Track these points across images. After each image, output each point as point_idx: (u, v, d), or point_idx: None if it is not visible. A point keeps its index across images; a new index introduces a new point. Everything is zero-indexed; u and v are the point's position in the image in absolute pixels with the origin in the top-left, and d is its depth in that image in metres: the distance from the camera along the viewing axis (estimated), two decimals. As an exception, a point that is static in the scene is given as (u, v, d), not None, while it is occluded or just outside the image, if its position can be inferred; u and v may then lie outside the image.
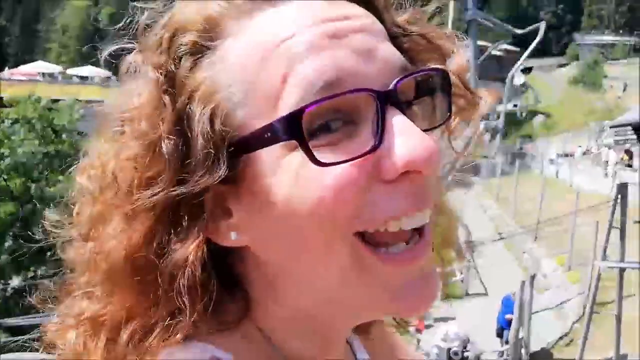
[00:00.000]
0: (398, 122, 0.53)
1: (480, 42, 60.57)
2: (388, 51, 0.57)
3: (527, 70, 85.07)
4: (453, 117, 0.64)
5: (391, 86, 0.53)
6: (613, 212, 9.38)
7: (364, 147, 0.52)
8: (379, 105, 0.52)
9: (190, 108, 0.55)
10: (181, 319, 0.56)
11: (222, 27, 0.56)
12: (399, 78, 0.54)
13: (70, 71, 47.44)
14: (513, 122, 58.31)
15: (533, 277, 10.80)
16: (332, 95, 0.51)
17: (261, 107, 0.53)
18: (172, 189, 0.54)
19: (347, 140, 0.53)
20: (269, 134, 0.53)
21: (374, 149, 0.52)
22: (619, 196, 9.27)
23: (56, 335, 0.62)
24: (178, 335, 0.56)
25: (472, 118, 0.68)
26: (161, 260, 0.55)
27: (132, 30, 0.60)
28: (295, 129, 0.51)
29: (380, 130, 0.52)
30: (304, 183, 0.52)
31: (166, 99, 0.56)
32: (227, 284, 0.61)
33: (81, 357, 0.59)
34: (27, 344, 0.68)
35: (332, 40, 0.53)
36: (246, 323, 0.61)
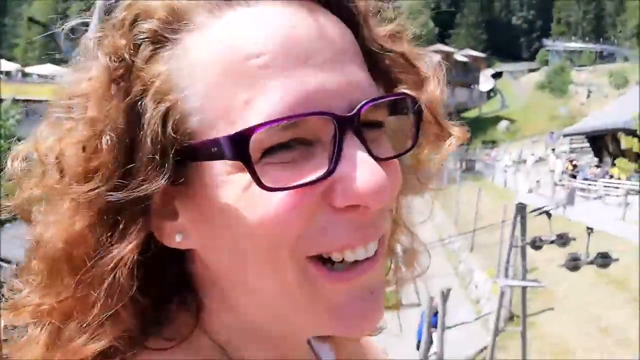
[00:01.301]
0: (354, 151, 0.51)
1: (445, 48, 61.23)
2: (357, 73, 0.54)
3: (497, 75, 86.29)
4: (423, 146, 0.63)
5: (354, 111, 0.51)
6: (513, 232, 9.53)
7: (318, 170, 0.51)
8: (337, 130, 0.51)
9: (142, 103, 0.52)
10: (109, 325, 0.53)
11: (187, 19, 0.53)
12: (362, 103, 0.52)
13: (30, 69, 46.41)
14: (478, 127, 58.93)
15: (448, 292, 10.87)
16: (286, 117, 0.49)
17: (217, 121, 0.51)
18: (107, 191, 0.51)
19: (303, 161, 0.51)
20: (215, 149, 0.50)
21: (326, 176, 0.50)
22: (519, 216, 9.41)
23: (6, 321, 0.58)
24: (101, 342, 0.53)
25: (440, 151, 0.65)
26: (97, 259, 0.52)
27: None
28: (241, 150, 0.49)
29: (335, 157, 0.51)
30: (248, 202, 0.51)
31: (114, 88, 0.52)
32: (179, 288, 0.60)
33: (24, 346, 0.57)
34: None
35: (298, 63, 0.51)
36: (199, 335, 0.59)
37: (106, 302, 0.52)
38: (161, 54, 0.53)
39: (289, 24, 0.52)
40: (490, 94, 76.89)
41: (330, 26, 0.55)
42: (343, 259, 0.53)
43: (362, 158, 0.51)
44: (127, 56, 0.52)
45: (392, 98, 0.57)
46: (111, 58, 0.53)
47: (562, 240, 8.38)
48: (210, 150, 0.51)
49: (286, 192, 0.50)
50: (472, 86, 68.97)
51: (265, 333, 0.61)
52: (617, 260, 8.58)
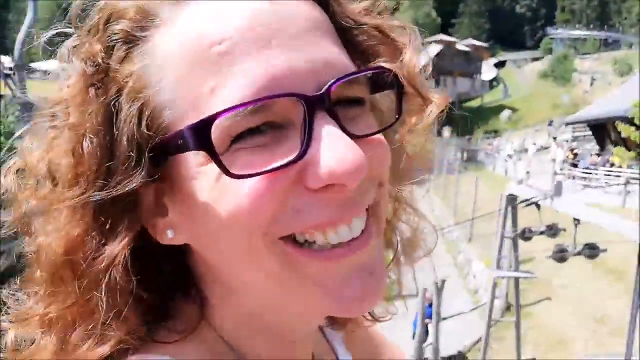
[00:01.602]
0: (326, 130, 0.50)
1: (447, 38, 60.91)
2: (328, 50, 0.53)
3: (500, 64, 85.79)
4: (409, 119, 0.63)
5: (322, 90, 0.50)
6: (503, 223, 9.45)
7: (290, 153, 0.50)
8: (307, 111, 0.50)
9: (118, 103, 0.52)
10: (115, 326, 0.54)
11: (154, 15, 0.53)
12: (332, 82, 0.51)
13: (34, 65, 46.57)
14: (480, 117, 58.70)
15: (443, 283, 10.82)
16: (248, 102, 0.48)
17: (187, 111, 0.51)
18: (91, 192, 0.52)
19: (275, 145, 0.50)
20: (181, 141, 0.50)
21: (298, 158, 0.50)
22: (509, 207, 9.32)
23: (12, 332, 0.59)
24: (109, 344, 0.54)
25: (424, 120, 0.64)
26: (91, 259, 0.53)
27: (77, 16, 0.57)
28: (204, 140, 0.49)
29: (307, 139, 0.50)
30: (221, 192, 0.51)
31: (92, 92, 0.53)
32: (183, 282, 0.60)
33: (33, 354, 0.57)
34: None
35: (262, 45, 0.50)
36: (204, 328, 0.60)
37: (108, 302, 0.53)
38: (134, 53, 0.53)
39: (251, 7, 0.52)
40: (493, 83, 76.50)
41: (295, 4, 0.54)
42: (327, 240, 0.52)
43: (334, 137, 0.50)
44: (100, 60, 0.53)
45: (365, 73, 0.55)
46: (87, 63, 0.53)
47: (552, 231, 8.30)
48: (178, 143, 0.51)
49: (257, 178, 0.49)
50: (474, 76, 68.55)
51: (267, 324, 0.61)
52: (605, 250, 8.49)
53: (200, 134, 0.49)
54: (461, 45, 66.05)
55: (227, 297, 0.60)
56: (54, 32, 0.58)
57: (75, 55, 0.55)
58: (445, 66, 56.59)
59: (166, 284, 0.60)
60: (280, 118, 0.51)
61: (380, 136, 0.55)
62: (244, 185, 0.49)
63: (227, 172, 0.49)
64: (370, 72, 0.56)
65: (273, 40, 0.50)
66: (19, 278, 0.60)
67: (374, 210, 0.56)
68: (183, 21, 0.52)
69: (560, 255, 8.31)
